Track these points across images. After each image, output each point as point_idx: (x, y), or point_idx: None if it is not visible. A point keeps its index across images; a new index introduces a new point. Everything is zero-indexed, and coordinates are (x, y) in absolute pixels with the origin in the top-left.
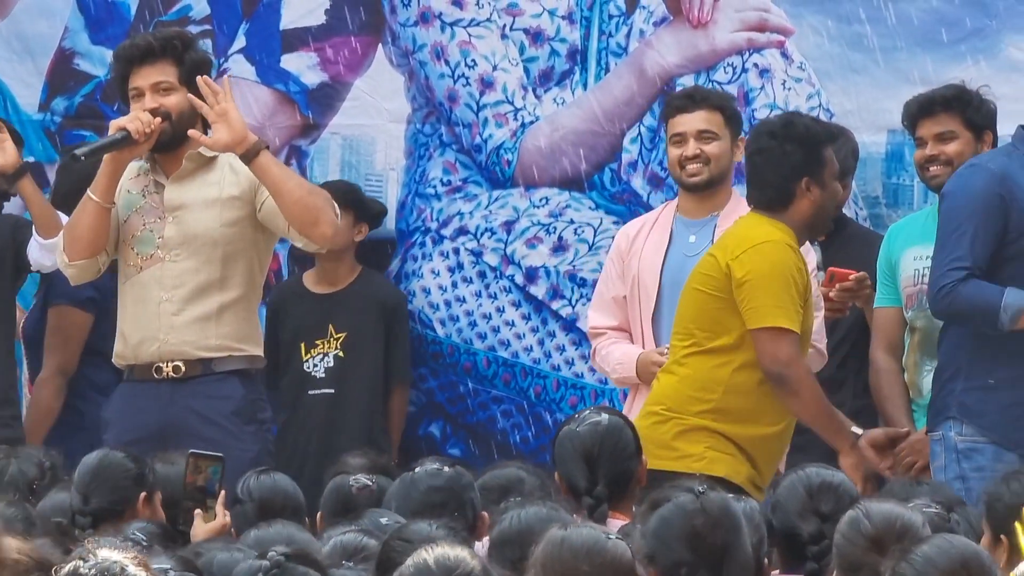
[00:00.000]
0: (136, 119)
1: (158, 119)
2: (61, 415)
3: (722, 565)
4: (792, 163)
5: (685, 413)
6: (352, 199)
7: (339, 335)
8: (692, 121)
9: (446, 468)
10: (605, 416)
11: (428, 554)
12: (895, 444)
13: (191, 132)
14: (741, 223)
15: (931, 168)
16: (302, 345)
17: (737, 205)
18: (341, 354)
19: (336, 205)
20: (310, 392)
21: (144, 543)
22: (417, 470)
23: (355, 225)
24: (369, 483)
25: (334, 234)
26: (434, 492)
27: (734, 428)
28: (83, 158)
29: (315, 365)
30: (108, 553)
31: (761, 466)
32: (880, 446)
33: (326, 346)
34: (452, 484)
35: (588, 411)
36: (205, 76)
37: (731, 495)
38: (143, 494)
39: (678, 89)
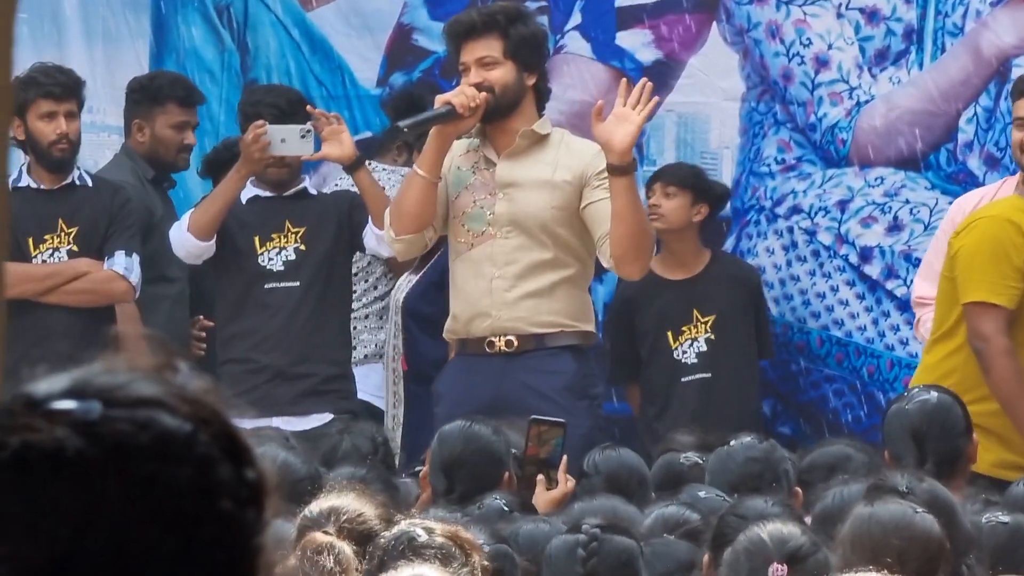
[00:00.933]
0: (461, 93)
1: (483, 94)
2: None
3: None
4: None
5: None
6: (690, 182)
7: (706, 319)
8: None
9: (761, 442)
10: (935, 394)
11: (761, 529)
12: None
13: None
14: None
15: None
16: (668, 333)
17: None
18: (712, 337)
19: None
20: (683, 380)
21: (506, 508)
22: (732, 443)
23: (693, 205)
24: (700, 460)
25: (640, 278)
26: (752, 463)
27: (976, 408)
28: (407, 130)
29: (684, 352)
30: (409, 522)
31: (1020, 444)
32: None
33: (694, 331)
34: (768, 456)
35: (918, 389)
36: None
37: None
38: (507, 473)
39: (1014, 70)
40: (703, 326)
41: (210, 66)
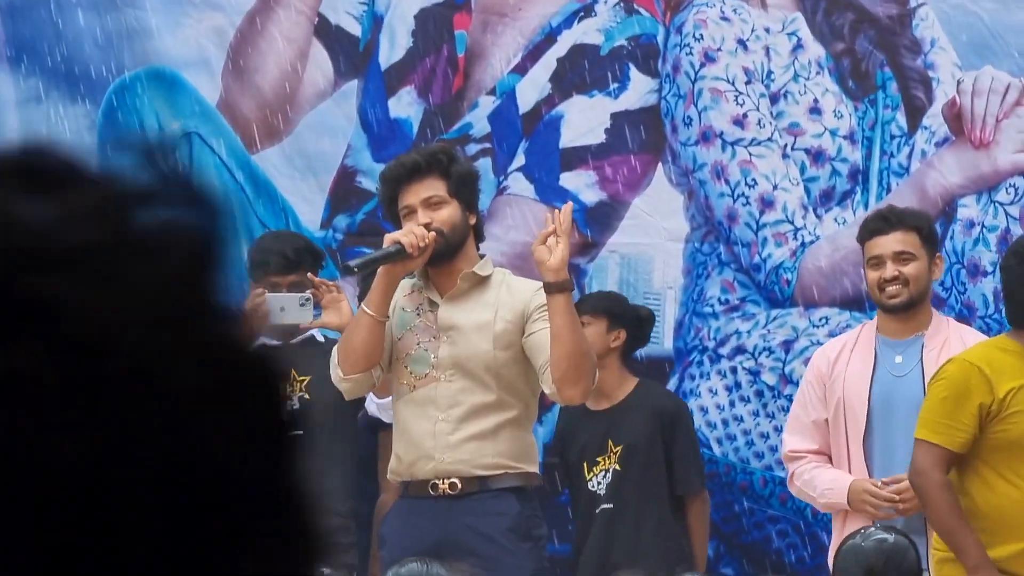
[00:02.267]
0: (411, 232)
1: (432, 233)
2: None
3: None
4: None
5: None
6: (603, 307)
7: (616, 449)
8: (889, 243)
9: None
10: (892, 535)
11: None
12: None
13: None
14: None
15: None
16: (584, 464)
17: (941, 325)
18: (618, 467)
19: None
20: (596, 511)
21: None
22: None
23: (609, 331)
24: None
25: (582, 402)
26: None
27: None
28: (356, 270)
29: (598, 483)
30: None
31: None
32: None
33: (606, 462)
34: None
35: (873, 528)
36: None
37: None
38: None
39: (960, 210)
40: (613, 457)
41: None
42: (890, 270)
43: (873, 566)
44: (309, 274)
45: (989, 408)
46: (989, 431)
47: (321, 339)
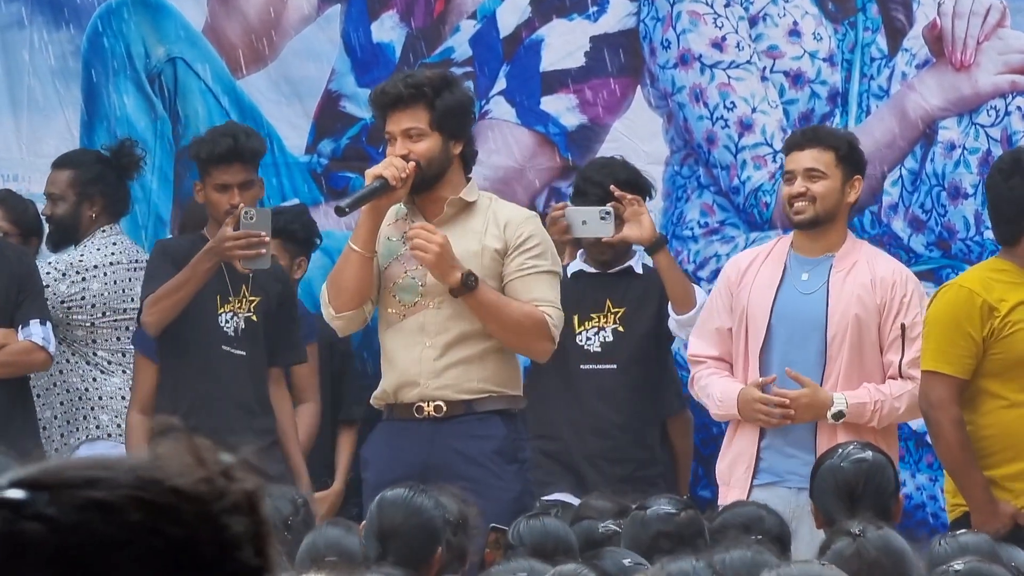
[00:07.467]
0: (391, 165)
1: (411, 164)
2: None
3: None
4: (1017, 197)
5: None
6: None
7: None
8: (802, 159)
9: (680, 512)
10: (870, 453)
11: None
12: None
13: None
14: None
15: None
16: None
17: (853, 247)
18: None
19: (553, 329)
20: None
21: None
22: (648, 511)
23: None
24: (618, 529)
25: (544, 359)
26: (662, 537)
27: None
28: (348, 210)
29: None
30: None
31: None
32: None
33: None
34: (682, 530)
35: (852, 446)
36: (613, 188)
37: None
38: (440, 549)
39: (940, 132)
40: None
41: (142, 135)
42: (798, 186)
43: (853, 486)
44: (612, 187)
45: (992, 329)
46: (990, 352)
47: (640, 271)
